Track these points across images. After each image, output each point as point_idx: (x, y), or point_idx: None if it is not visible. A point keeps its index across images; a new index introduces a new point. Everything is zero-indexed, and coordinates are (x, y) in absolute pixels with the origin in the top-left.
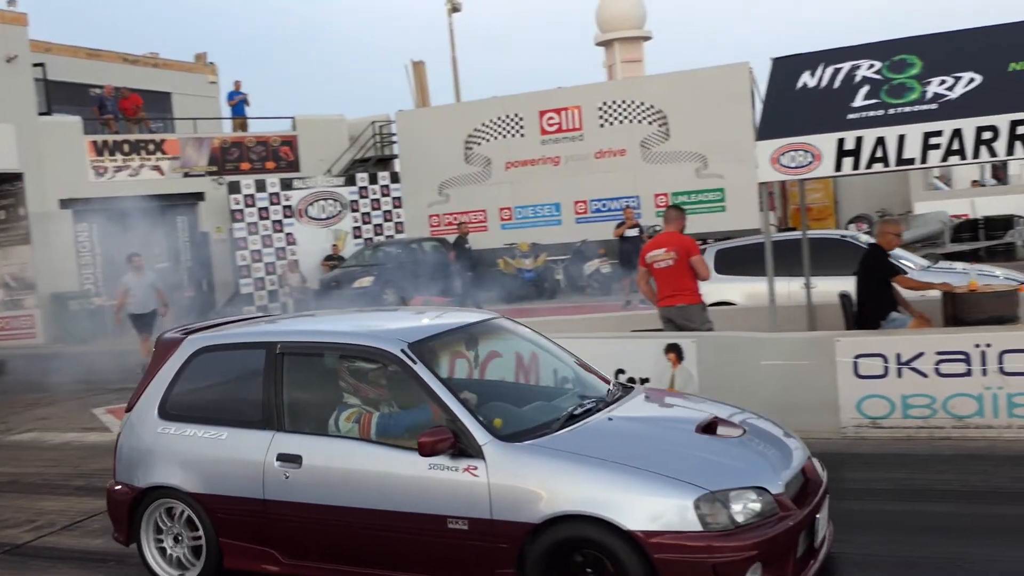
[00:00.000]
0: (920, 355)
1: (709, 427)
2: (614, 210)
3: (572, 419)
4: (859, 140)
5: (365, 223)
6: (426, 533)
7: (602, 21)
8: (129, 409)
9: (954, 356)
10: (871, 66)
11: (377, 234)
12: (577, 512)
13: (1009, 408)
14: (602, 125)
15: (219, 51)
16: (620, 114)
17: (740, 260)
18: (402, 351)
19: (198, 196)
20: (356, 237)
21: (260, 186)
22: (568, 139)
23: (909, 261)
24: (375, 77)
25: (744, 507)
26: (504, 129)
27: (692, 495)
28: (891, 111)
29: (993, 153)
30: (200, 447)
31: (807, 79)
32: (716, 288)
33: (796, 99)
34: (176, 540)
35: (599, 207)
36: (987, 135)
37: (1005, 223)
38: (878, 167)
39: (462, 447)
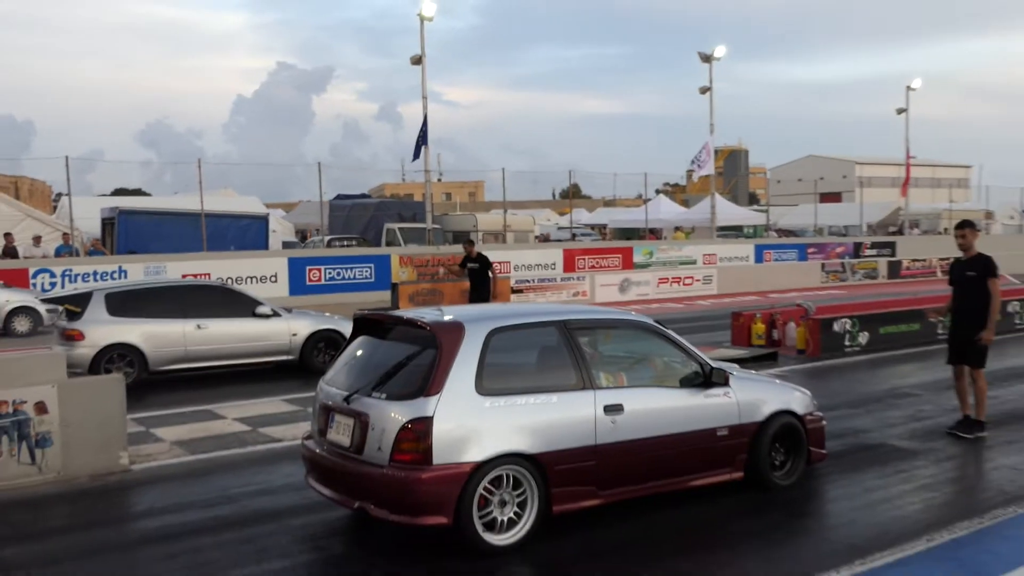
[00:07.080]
0: None
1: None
2: None
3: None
4: None
5: None
6: (704, 441)
7: None
8: (431, 392)
9: None
10: None
11: None
12: (782, 409)
13: None
14: None
15: None
16: None
17: (133, 303)
18: (655, 321)
19: None
20: None
21: None
22: None
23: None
24: None
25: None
26: None
27: (807, 394)
28: None
29: None
30: (536, 413)
31: None
32: (115, 330)
33: None
34: (502, 504)
35: None
36: None
37: None
38: None
39: (714, 381)
